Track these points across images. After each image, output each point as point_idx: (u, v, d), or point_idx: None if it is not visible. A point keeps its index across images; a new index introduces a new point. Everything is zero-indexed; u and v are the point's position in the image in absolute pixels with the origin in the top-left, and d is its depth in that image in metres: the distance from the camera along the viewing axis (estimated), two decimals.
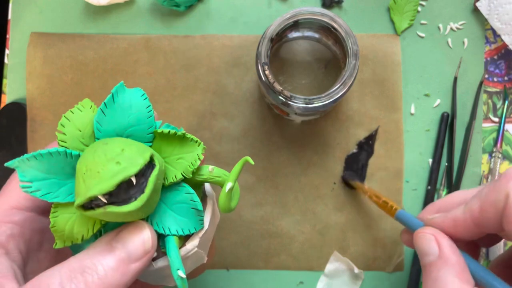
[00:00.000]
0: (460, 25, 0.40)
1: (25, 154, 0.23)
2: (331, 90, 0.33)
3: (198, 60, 0.40)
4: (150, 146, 0.26)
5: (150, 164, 0.23)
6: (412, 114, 0.40)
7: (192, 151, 0.25)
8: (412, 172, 0.40)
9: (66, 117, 0.25)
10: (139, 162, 0.22)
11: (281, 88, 0.32)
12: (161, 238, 0.26)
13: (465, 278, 0.25)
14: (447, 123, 0.40)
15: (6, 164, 0.23)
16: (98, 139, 0.25)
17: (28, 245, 0.26)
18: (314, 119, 0.40)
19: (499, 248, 0.39)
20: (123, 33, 0.41)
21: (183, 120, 0.40)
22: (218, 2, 0.41)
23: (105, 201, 0.22)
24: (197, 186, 0.27)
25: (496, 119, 0.40)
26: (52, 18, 0.41)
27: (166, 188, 0.25)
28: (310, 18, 0.33)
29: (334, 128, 0.40)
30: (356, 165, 0.40)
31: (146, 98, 0.25)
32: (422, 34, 0.40)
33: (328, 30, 0.35)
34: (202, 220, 0.26)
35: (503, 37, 0.39)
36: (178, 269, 0.24)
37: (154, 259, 0.25)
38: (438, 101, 0.40)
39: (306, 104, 0.32)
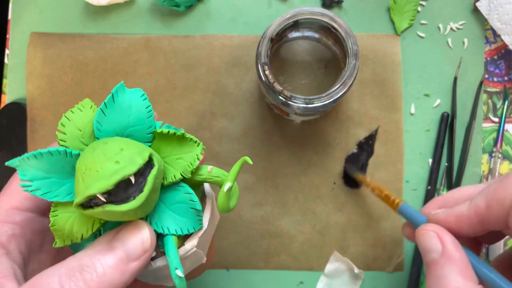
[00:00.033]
0: (460, 25, 0.40)
1: (26, 153, 0.23)
2: (331, 90, 0.33)
3: (198, 60, 0.40)
4: (150, 146, 0.26)
5: (149, 164, 0.23)
6: (412, 114, 0.40)
7: (191, 151, 0.25)
8: (412, 172, 0.40)
9: (66, 117, 0.25)
10: (138, 162, 0.22)
11: (281, 88, 0.32)
12: (160, 237, 0.26)
13: (469, 275, 0.25)
14: (447, 123, 0.40)
15: (6, 163, 0.23)
16: (98, 138, 0.25)
17: (29, 245, 0.26)
18: (314, 119, 0.40)
19: (499, 248, 0.39)
20: (123, 33, 0.41)
21: (183, 120, 0.40)
22: (218, 2, 0.41)
23: (104, 200, 0.22)
24: (196, 186, 0.27)
25: (496, 119, 0.40)
26: (52, 18, 0.41)
27: (165, 188, 0.25)
28: (310, 18, 0.33)
29: (334, 128, 0.40)
30: (356, 165, 0.40)
31: (146, 98, 0.25)
32: (422, 34, 0.40)
33: (328, 30, 0.35)
34: (201, 220, 0.26)
35: (503, 37, 0.39)
36: (177, 268, 0.24)
37: (153, 259, 0.26)
38: (438, 101, 0.40)
39: (306, 104, 0.33)
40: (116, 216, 0.23)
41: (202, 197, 0.28)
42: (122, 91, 0.25)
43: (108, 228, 0.25)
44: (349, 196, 0.40)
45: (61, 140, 0.24)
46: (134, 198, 0.22)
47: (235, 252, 0.40)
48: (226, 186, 0.26)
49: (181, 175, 0.25)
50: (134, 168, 0.22)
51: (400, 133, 0.40)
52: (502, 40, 0.40)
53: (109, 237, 0.24)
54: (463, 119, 0.40)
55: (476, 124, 0.40)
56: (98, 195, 0.22)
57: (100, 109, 0.25)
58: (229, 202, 0.27)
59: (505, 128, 0.40)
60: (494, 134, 0.40)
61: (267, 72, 0.33)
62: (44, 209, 0.27)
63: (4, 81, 0.42)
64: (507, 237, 0.35)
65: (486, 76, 0.41)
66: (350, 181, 0.40)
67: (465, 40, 0.40)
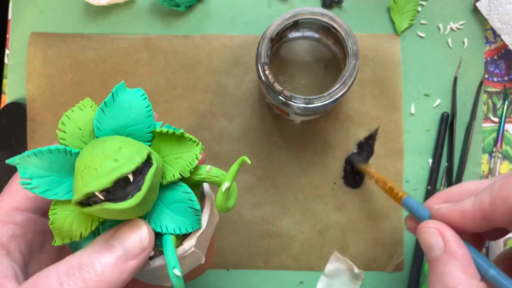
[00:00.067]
0: (460, 25, 0.40)
1: (26, 151, 0.23)
2: (331, 90, 0.33)
3: (198, 60, 0.40)
4: (149, 146, 0.26)
5: (148, 162, 0.23)
6: (412, 114, 0.40)
7: (190, 151, 0.25)
8: (412, 172, 0.40)
9: (67, 116, 0.25)
10: (137, 160, 0.22)
11: (281, 88, 0.32)
12: (158, 237, 0.26)
13: (471, 272, 0.25)
14: (447, 123, 0.40)
15: (7, 161, 0.23)
16: (98, 137, 0.25)
17: (29, 246, 0.26)
18: (314, 119, 0.40)
19: (499, 247, 0.39)
20: (123, 33, 0.41)
21: (183, 120, 0.40)
22: (218, 2, 0.41)
23: (102, 197, 0.22)
24: (195, 186, 0.27)
25: (496, 119, 0.40)
26: (52, 18, 0.41)
27: (164, 187, 0.26)
28: (310, 18, 0.33)
29: (334, 128, 0.40)
30: (356, 166, 0.40)
31: (146, 98, 0.26)
32: (422, 34, 0.40)
33: (328, 30, 0.35)
34: (200, 219, 0.26)
35: (503, 37, 0.39)
36: (174, 268, 0.24)
37: (151, 258, 0.26)
38: (438, 101, 0.40)
39: (306, 104, 0.33)
40: (114, 214, 0.23)
41: (201, 197, 0.28)
42: (123, 91, 0.25)
43: (107, 227, 0.25)
44: (349, 196, 0.40)
45: (61, 139, 0.25)
46: (132, 196, 0.22)
47: (235, 252, 0.40)
48: (224, 186, 0.26)
49: (180, 174, 0.25)
50: (132, 166, 0.22)
51: (400, 133, 0.40)
52: (502, 40, 0.40)
53: (107, 236, 0.24)
54: (463, 119, 0.40)
55: (476, 124, 0.40)
56: (96, 193, 0.22)
57: (100, 108, 0.25)
58: (227, 202, 0.27)
59: (505, 128, 0.40)
60: (494, 134, 0.40)
61: (267, 72, 0.33)
62: (44, 210, 0.27)
63: (4, 81, 0.42)
64: (508, 235, 0.35)
65: (486, 76, 0.41)
66: (350, 181, 0.40)
67: (465, 40, 0.40)
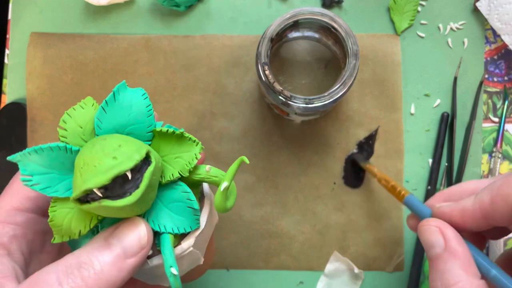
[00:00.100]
0: (460, 25, 0.40)
1: (27, 148, 0.23)
2: (331, 90, 0.33)
3: (198, 60, 0.40)
4: (150, 145, 0.26)
5: (147, 161, 0.23)
6: (412, 114, 0.40)
7: (190, 151, 0.26)
8: (412, 172, 0.40)
9: (68, 114, 0.25)
10: (135, 158, 0.22)
11: (281, 88, 0.32)
12: (157, 236, 0.26)
13: (472, 270, 0.25)
14: (447, 123, 0.40)
15: (8, 158, 0.23)
16: (98, 136, 0.25)
17: (30, 246, 0.26)
18: (314, 119, 0.40)
19: (499, 247, 0.39)
20: (123, 33, 0.41)
21: (183, 120, 0.40)
22: (218, 2, 0.41)
23: (100, 195, 0.22)
24: (195, 185, 0.27)
25: (496, 119, 0.40)
26: (52, 18, 0.41)
27: (163, 186, 0.26)
28: (310, 18, 0.33)
29: (334, 128, 0.40)
30: (359, 163, 0.40)
31: (147, 97, 0.26)
32: (422, 34, 0.40)
33: (328, 30, 0.35)
34: (198, 219, 0.26)
35: (503, 37, 0.39)
36: (171, 266, 0.24)
37: (149, 257, 0.26)
38: (438, 101, 0.40)
39: (306, 104, 0.33)
40: (112, 211, 0.23)
41: (201, 197, 0.28)
42: (124, 90, 0.25)
43: (106, 225, 0.25)
44: (349, 196, 0.40)
45: (62, 137, 0.25)
46: (130, 194, 0.22)
47: (235, 252, 0.40)
48: (223, 186, 0.26)
49: (179, 173, 0.25)
50: (131, 164, 0.22)
51: (400, 133, 0.40)
52: (502, 40, 0.40)
53: (106, 234, 0.24)
54: (463, 119, 0.40)
55: (476, 124, 0.40)
56: (95, 190, 0.22)
57: (101, 107, 0.25)
58: (226, 202, 0.27)
59: (505, 128, 0.40)
60: (494, 134, 0.40)
61: (267, 72, 0.33)
62: (45, 210, 0.27)
63: (4, 81, 0.42)
64: (508, 235, 0.35)
65: (486, 76, 0.41)
66: (351, 181, 0.40)
67: (465, 40, 0.40)
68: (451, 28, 0.40)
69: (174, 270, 0.24)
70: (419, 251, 0.39)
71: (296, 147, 0.40)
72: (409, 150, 0.40)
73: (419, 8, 0.41)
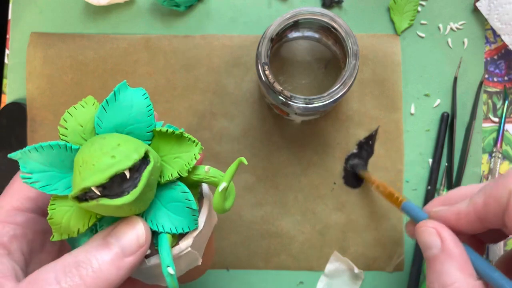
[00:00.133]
0: (460, 25, 0.40)
1: (27, 146, 0.23)
2: (331, 90, 0.33)
3: (198, 60, 0.40)
4: (149, 145, 0.26)
5: (145, 160, 0.23)
6: (412, 114, 0.40)
7: (189, 151, 0.26)
8: (412, 172, 0.40)
9: (69, 112, 0.25)
10: (134, 157, 0.23)
11: (281, 88, 0.32)
12: (155, 236, 0.26)
13: (468, 271, 0.25)
14: (447, 123, 0.40)
15: (9, 155, 0.23)
16: (98, 135, 0.25)
17: (30, 246, 0.26)
18: (314, 119, 0.40)
19: (499, 247, 0.39)
20: (123, 33, 0.41)
21: (183, 120, 0.40)
22: (218, 2, 0.41)
23: (98, 193, 0.22)
24: (194, 186, 0.27)
25: (496, 119, 0.40)
26: (52, 18, 0.41)
27: (162, 186, 0.26)
28: (310, 18, 0.33)
29: (334, 128, 0.40)
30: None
31: (147, 97, 0.26)
32: (422, 34, 0.40)
33: (328, 30, 0.35)
34: (197, 219, 0.26)
35: (503, 37, 0.39)
36: (168, 266, 0.24)
37: (147, 257, 0.26)
38: (438, 101, 0.40)
39: (306, 104, 0.33)
40: (110, 210, 0.23)
41: (200, 198, 0.28)
42: (125, 90, 0.26)
43: (105, 224, 0.25)
44: (349, 196, 0.40)
45: (63, 135, 0.25)
46: (128, 193, 0.22)
47: (235, 252, 0.40)
48: (221, 186, 0.26)
49: (178, 173, 0.25)
50: (129, 163, 0.22)
51: (400, 133, 0.40)
52: (502, 40, 0.40)
53: (104, 233, 0.24)
54: (463, 119, 0.40)
55: (476, 124, 0.40)
56: (93, 188, 0.22)
57: (102, 106, 0.25)
58: (224, 203, 0.27)
59: (505, 128, 0.40)
60: (494, 134, 0.40)
61: (267, 72, 0.33)
62: (45, 210, 0.27)
63: (4, 81, 0.42)
64: (509, 237, 0.35)
65: (486, 76, 0.41)
66: (350, 181, 0.40)
67: (465, 40, 0.40)
68: (451, 28, 0.40)
69: (171, 270, 0.24)
70: (419, 251, 0.39)
71: (296, 147, 0.40)
72: (409, 150, 0.40)
73: (419, 8, 0.41)
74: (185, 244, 0.26)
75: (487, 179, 0.40)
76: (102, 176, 0.22)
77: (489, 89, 0.40)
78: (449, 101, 0.40)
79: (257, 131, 0.40)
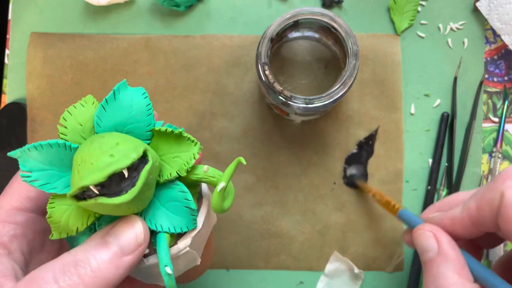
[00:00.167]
0: (460, 25, 0.40)
1: (27, 145, 0.23)
2: (331, 90, 0.33)
3: (198, 60, 0.40)
4: (149, 144, 0.26)
5: (144, 159, 0.23)
6: (412, 114, 0.40)
7: (188, 150, 0.26)
8: (412, 172, 0.40)
9: (68, 111, 0.25)
10: (132, 156, 0.23)
11: (281, 88, 0.32)
12: (153, 235, 0.26)
13: (464, 274, 0.26)
14: (447, 123, 0.40)
15: (9, 154, 0.23)
16: (97, 133, 0.25)
17: (30, 246, 0.26)
18: (314, 119, 0.40)
19: (499, 248, 0.39)
20: (123, 33, 0.41)
21: (183, 120, 0.40)
22: (218, 2, 0.41)
23: (96, 192, 0.22)
24: (193, 185, 0.27)
25: (496, 119, 0.40)
26: (52, 18, 0.41)
27: (160, 185, 0.26)
28: (310, 18, 0.33)
29: (334, 128, 0.40)
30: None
31: (147, 97, 0.26)
32: (422, 34, 0.40)
33: (328, 30, 0.35)
34: (196, 219, 0.26)
35: (503, 37, 0.39)
36: (166, 266, 0.24)
37: (145, 256, 0.26)
38: (438, 101, 0.40)
39: (306, 104, 0.33)
40: (108, 209, 0.23)
41: (199, 197, 0.28)
42: (124, 89, 0.26)
43: (103, 223, 0.25)
44: (349, 196, 0.40)
45: (62, 134, 0.25)
46: (126, 192, 0.22)
47: (235, 252, 0.40)
48: (220, 186, 0.26)
49: (177, 173, 0.25)
50: (127, 162, 0.22)
51: (400, 133, 0.40)
52: (502, 40, 0.40)
53: (103, 232, 0.24)
54: (463, 119, 0.40)
55: (476, 124, 0.40)
56: (91, 187, 0.22)
57: (101, 105, 0.25)
58: (223, 202, 0.27)
59: (505, 128, 0.40)
60: (494, 134, 0.40)
61: (267, 72, 0.33)
62: (44, 209, 0.27)
63: (4, 81, 0.42)
64: (505, 241, 0.35)
65: (486, 76, 0.41)
66: (350, 181, 0.40)
67: (465, 40, 0.40)
68: (451, 28, 0.40)
69: (168, 269, 0.24)
70: None
71: (296, 147, 0.40)
72: (409, 150, 0.40)
73: (419, 8, 0.41)
74: (183, 243, 0.26)
75: (487, 179, 0.40)
76: (101, 175, 0.22)
77: (489, 89, 0.40)
78: (449, 101, 0.40)
79: (257, 131, 0.40)
